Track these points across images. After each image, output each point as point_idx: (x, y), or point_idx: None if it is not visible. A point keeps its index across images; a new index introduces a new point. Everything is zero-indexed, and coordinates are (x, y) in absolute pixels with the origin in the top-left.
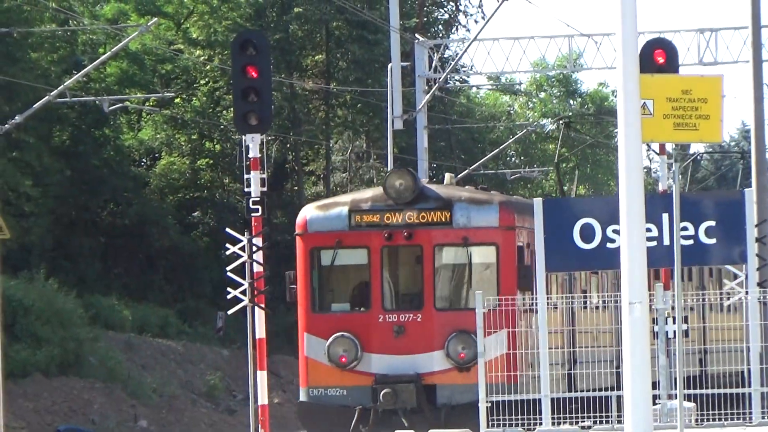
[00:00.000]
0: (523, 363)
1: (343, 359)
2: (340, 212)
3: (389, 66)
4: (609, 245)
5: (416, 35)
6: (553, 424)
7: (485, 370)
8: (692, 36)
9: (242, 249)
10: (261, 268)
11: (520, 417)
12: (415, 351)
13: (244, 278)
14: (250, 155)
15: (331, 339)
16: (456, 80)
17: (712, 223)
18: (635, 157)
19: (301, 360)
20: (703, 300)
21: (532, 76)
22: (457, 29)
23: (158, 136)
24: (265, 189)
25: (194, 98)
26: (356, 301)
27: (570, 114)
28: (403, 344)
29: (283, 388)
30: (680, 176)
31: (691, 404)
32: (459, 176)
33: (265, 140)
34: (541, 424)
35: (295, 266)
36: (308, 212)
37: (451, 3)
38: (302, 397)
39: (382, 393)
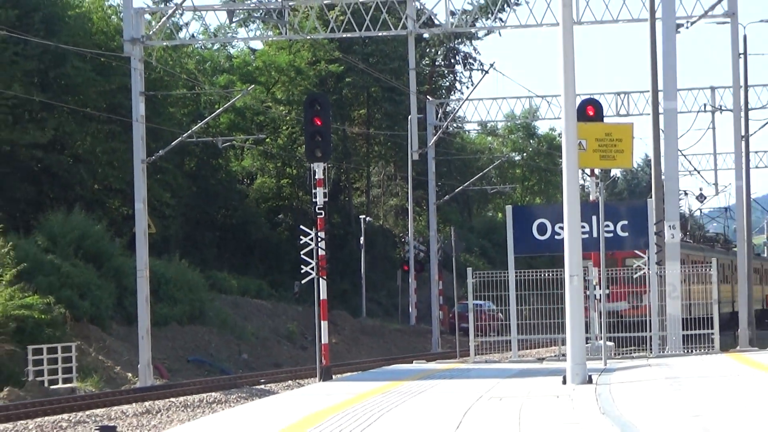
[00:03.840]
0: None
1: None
2: None
3: (409, 117)
4: (556, 237)
5: (428, 96)
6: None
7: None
8: (612, 97)
9: (311, 240)
10: (323, 252)
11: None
12: (616, 301)
13: (312, 259)
14: (316, 177)
15: None
16: (454, 127)
17: (626, 222)
18: (574, 178)
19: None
20: (617, 273)
21: (505, 123)
22: (454, 92)
23: (255, 164)
24: (326, 200)
25: (279, 138)
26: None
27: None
28: (611, 299)
29: (339, 332)
30: (604, 191)
31: (611, 344)
32: (455, 191)
33: (326, 167)
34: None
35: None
36: None
37: (450, 75)
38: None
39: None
